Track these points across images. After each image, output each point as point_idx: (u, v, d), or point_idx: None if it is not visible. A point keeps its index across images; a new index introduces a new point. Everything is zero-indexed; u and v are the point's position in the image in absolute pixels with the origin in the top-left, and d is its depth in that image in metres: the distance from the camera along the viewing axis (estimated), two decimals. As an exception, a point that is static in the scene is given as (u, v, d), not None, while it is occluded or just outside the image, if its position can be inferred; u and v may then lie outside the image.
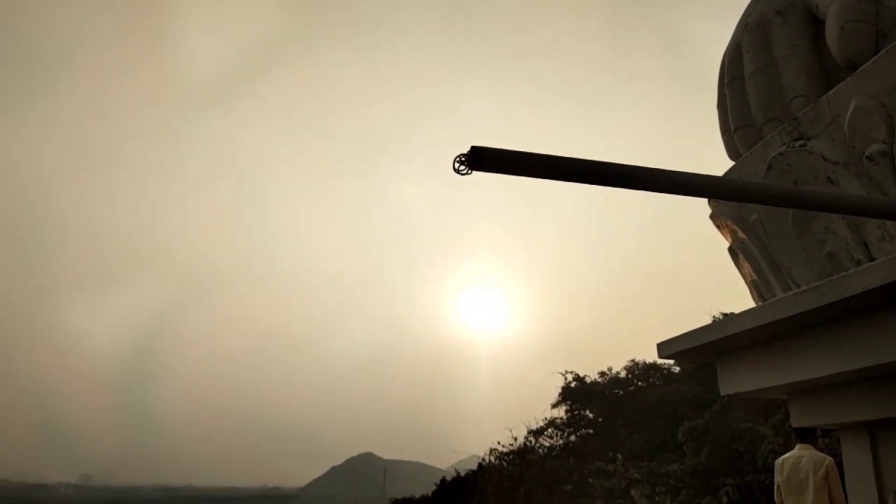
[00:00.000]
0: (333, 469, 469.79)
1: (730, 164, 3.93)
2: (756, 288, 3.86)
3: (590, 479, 12.61)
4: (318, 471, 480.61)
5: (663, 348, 3.96)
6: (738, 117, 3.87)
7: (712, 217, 4.04)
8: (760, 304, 3.60)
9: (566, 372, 22.77)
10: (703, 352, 3.82)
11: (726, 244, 4.07)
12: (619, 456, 11.75)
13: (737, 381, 3.76)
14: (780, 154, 3.36)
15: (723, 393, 3.92)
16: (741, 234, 3.78)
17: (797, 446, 6.02)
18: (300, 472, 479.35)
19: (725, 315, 13.68)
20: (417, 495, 34.11)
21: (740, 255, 3.92)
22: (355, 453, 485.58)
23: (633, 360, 22.78)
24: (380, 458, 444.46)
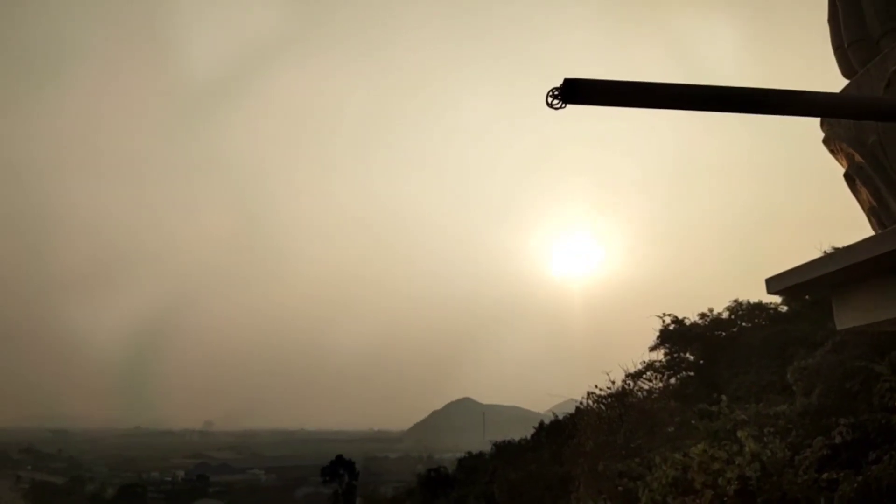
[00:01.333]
0: (434, 414, 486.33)
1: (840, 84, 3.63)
2: (875, 215, 3.60)
3: (693, 421, 12.43)
4: (420, 415, 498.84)
5: (772, 284, 3.79)
6: (852, 31, 3.56)
7: (825, 141, 3.78)
8: (880, 231, 3.36)
9: (664, 315, 22.33)
10: (817, 285, 3.63)
11: (838, 173, 3.81)
12: (724, 397, 11.49)
13: (853, 315, 3.56)
14: (903, 67, 3.07)
15: (838, 328, 3.73)
16: (858, 159, 3.52)
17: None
18: (403, 417, 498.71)
19: (837, 250, 12.87)
20: (516, 438, 34.83)
21: (857, 181, 3.65)
22: (454, 398, 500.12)
23: (735, 301, 22.02)
24: (478, 403, 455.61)
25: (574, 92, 1.77)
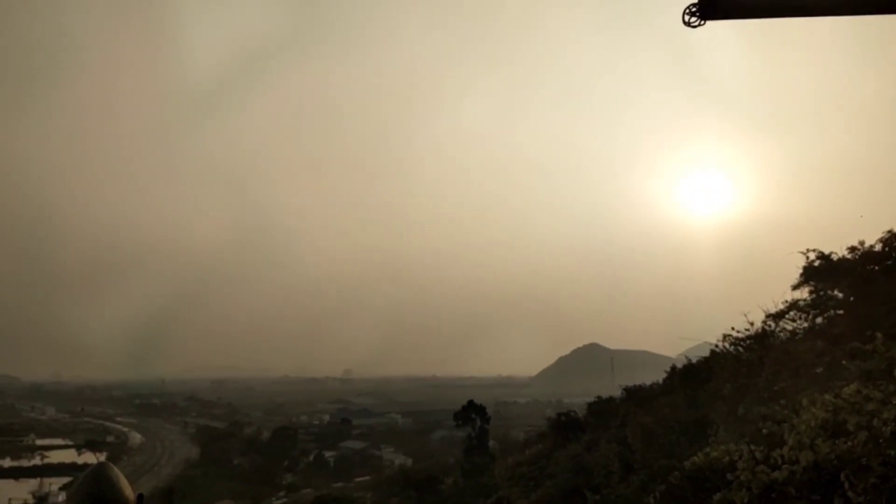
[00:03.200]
0: (561, 360, 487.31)
1: None
2: None
3: (843, 361, 11.64)
4: (547, 361, 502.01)
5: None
6: None
7: None
8: None
9: (808, 251, 20.87)
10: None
11: None
12: (879, 335, 10.63)
13: None
14: None
15: None
16: None
17: None
18: (531, 363, 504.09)
19: None
20: (647, 383, 34.21)
21: None
22: (581, 344, 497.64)
23: (890, 232, 20.09)
24: (605, 349, 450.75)
25: (712, 6, 1.65)
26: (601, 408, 38.30)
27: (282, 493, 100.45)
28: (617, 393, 38.36)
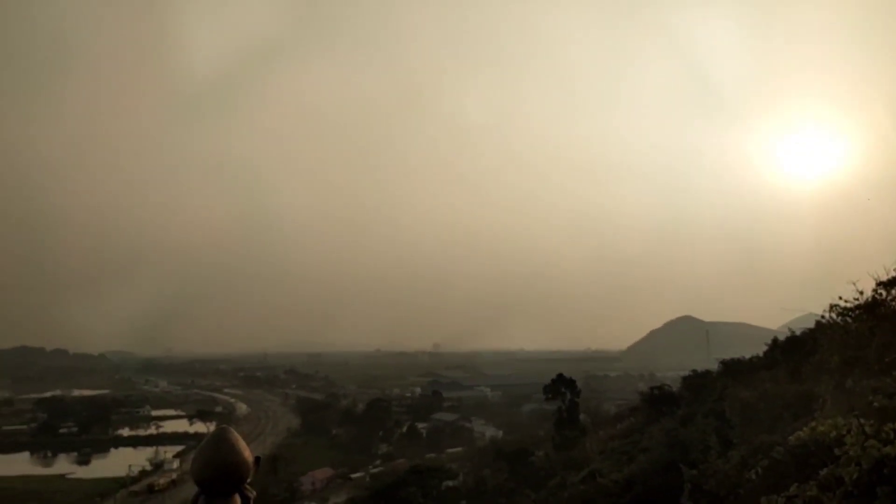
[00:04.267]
0: (652, 333, 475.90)
1: None
2: None
3: (966, 332, 10.82)
4: (638, 335, 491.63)
5: None
6: None
7: None
8: None
9: (925, 213, 19.28)
10: None
11: None
12: None
13: None
14: None
15: None
16: None
17: None
18: (621, 337, 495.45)
19: None
20: (746, 356, 32.95)
21: None
22: (674, 317, 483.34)
23: None
24: (700, 321, 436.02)
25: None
26: (696, 382, 37.30)
27: (377, 462, 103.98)
28: (713, 366, 37.22)
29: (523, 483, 48.00)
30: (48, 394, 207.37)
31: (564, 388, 65.89)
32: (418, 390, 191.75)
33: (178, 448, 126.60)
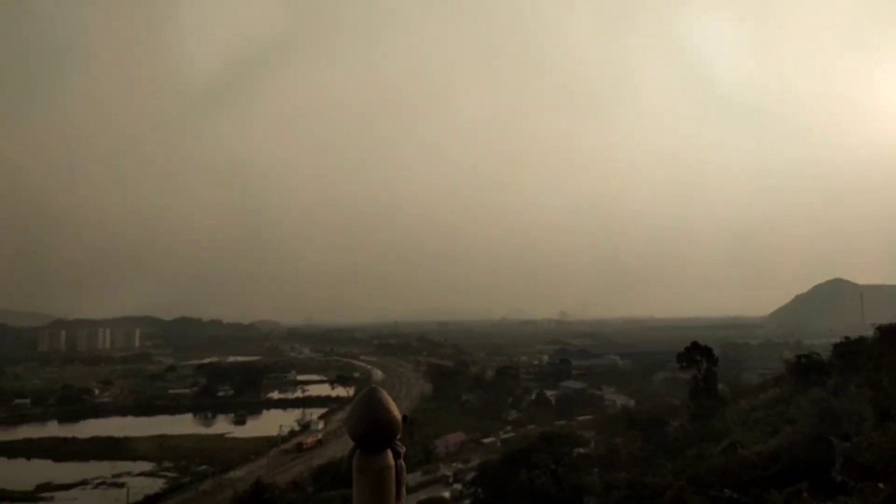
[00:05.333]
0: (798, 297, 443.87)
1: None
2: None
3: None
4: (782, 299, 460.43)
5: None
6: None
7: None
8: None
9: None
10: None
11: None
12: None
13: None
14: None
15: None
16: None
17: None
18: (763, 302, 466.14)
19: None
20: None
21: None
22: (822, 280, 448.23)
23: None
24: (853, 284, 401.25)
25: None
26: (849, 349, 34.63)
27: (508, 428, 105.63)
28: (868, 333, 34.37)
29: (658, 452, 47.06)
30: (206, 360, 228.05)
31: (700, 357, 63.35)
32: (545, 358, 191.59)
33: (322, 410, 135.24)
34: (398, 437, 3.75)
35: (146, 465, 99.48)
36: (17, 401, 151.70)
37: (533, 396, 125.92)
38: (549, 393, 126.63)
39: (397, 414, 3.70)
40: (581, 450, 66.80)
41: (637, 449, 54.62)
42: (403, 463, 3.78)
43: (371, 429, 3.59)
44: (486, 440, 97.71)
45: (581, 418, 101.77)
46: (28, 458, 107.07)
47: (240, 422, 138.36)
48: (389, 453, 3.66)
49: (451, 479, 76.16)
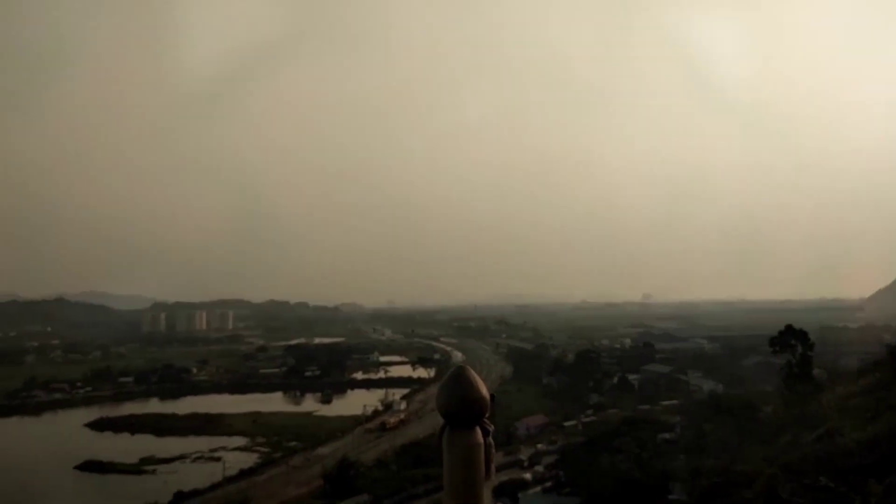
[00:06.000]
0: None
1: None
2: None
3: None
4: (884, 281, 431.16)
5: None
6: None
7: None
8: None
9: None
10: None
11: None
12: None
13: None
14: None
15: None
16: None
17: None
18: (862, 283, 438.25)
19: None
20: None
21: None
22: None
23: None
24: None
25: None
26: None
27: (589, 412, 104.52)
28: None
29: (748, 439, 45.49)
30: (294, 341, 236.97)
31: (794, 341, 60.50)
32: (628, 341, 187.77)
33: (404, 391, 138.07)
34: (487, 415, 3.82)
35: (241, 441, 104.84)
36: (122, 379, 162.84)
37: (615, 380, 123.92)
38: (631, 377, 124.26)
39: (485, 393, 3.77)
40: (666, 435, 65.49)
41: (726, 435, 52.92)
42: (492, 441, 3.84)
43: (460, 406, 3.67)
44: (568, 423, 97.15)
45: (665, 403, 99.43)
46: (132, 432, 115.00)
47: (326, 401, 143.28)
48: (479, 431, 3.75)
49: (525, 463, 75.62)
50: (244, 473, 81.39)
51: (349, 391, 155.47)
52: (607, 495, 48.96)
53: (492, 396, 3.91)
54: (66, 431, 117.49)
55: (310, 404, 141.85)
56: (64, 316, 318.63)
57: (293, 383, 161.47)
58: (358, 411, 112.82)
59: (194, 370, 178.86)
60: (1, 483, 79.86)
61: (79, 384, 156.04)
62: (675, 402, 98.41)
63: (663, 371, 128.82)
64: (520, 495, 60.97)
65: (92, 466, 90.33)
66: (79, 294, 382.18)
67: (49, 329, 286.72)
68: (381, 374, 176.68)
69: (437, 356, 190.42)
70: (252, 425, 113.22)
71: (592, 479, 52.65)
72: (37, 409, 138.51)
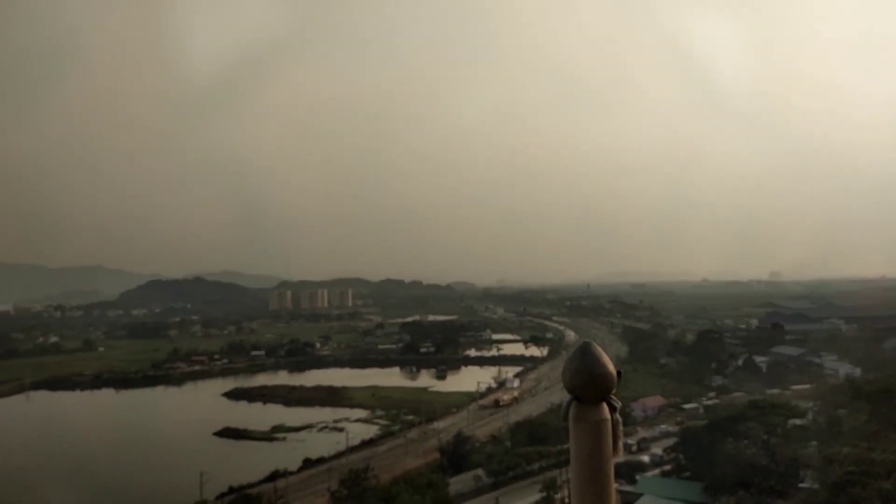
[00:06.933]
0: None
1: None
2: None
3: None
4: None
5: None
6: None
7: None
8: None
9: None
10: None
11: None
12: None
13: None
14: None
15: None
16: None
17: None
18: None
19: None
20: None
21: None
22: None
23: None
24: None
25: None
26: None
27: (711, 395, 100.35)
28: None
29: (888, 426, 42.19)
30: (409, 319, 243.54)
31: (947, 322, 55.02)
32: (754, 322, 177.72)
33: (517, 369, 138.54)
34: (613, 391, 3.85)
35: (362, 413, 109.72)
36: (254, 353, 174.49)
37: (740, 362, 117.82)
38: (758, 359, 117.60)
39: (612, 368, 3.80)
40: (797, 421, 61.73)
41: (863, 422, 49.29)
42: (619, 417, 3.86)
43: (586, 382, 3.70)
44: (688, 405, 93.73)
45: (796, 387, 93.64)
46: (264, 402, 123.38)
47: (441, 377, 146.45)
48: (605, 406, 3.80)
49: (634, 448, 70.88)
50: (365, 444, 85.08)
51: (463, 368, 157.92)
52: (731, 481, 47.11)
53: (618, 373, 3.96)
54: (206, 400, 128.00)
55: (425, 380, 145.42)
56: (201, 294, 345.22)
57: (409, 359, 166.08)
58: (472, 388, 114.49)
59: (318, 345, 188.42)
60: (152, 447, 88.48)
61: (216, 356, 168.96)
62: (807, 386, 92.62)
63: (794, 353, 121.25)
64: (637, 477, 59.80)
65: (229, 433, 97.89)
66: (215, 273, 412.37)
67: (189, 306, 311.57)
68: (494, 352, 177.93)
69: (549, 335, 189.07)
70: (371, 398, 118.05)
71: (714, 464, 50.72)
72: (179, 380, 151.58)
